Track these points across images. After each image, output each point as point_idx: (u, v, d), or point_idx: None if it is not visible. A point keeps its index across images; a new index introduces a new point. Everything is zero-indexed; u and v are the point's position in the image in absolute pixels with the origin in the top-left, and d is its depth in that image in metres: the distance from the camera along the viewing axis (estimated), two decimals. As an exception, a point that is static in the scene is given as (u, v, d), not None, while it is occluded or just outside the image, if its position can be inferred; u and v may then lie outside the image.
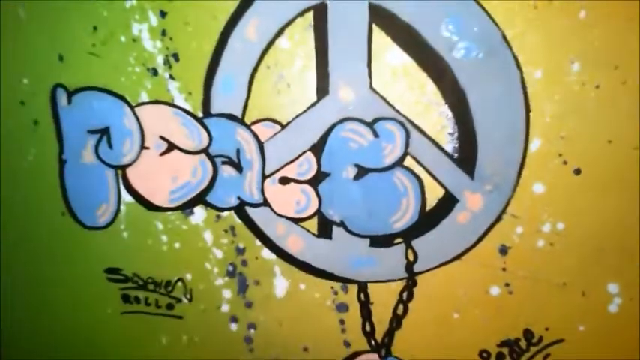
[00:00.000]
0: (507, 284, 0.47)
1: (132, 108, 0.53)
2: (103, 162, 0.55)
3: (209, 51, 0.49)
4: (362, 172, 0.48)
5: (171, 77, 0.51)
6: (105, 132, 0.54)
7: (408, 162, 0.47)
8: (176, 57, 0.50)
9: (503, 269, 0.47)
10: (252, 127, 0.50)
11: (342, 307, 0.52)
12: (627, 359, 0.46)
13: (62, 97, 0.54)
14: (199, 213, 0.54)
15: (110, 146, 0.54)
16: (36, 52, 0.54)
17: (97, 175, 0.55)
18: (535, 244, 0.46)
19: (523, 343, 0.48)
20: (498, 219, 0.46)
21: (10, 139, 0.58)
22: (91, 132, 0.54)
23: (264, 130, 0.50)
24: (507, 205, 0.45)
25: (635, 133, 0.42)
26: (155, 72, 0.51)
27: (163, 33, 0.50)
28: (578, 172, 0.43)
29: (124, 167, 0.54)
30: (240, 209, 0.52)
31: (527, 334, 0.47)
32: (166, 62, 0.51)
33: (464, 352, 0.49)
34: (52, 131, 0.55)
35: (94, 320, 0.60)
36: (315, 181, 0.49)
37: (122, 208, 0.56)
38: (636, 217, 0.43)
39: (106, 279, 0.58)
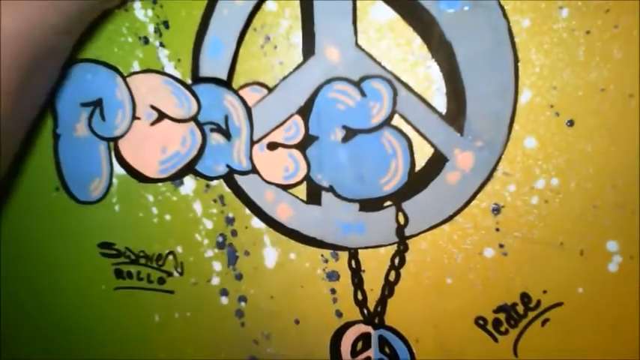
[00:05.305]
0: (502, 245, 0.45)
1: (124, 78, 0.53)
2: (96, 134, 0.55)
3: (198, 17, 0.49)
4: (350, 133, 0.47)
5: (162, 45, 0.51)
6: (98, 104, 0.54)
7: (397, 121, 0.46)
8: (166, 24, 0.51)
9: (497, 230, 0.45)
10: (240, 92, 0.49)
11: (333, 276, 0.50)
12: (627, 320, 0.43)
13: (56, 70, 0.55)
14: (189, 183, 0.53)
15: (103, 118, 0.54)
16: (32, 27, 0.55)
17: (90, 148, 0.56)
18: (529, 201, 0.44)
19: (520, 309, 0.45)
20: (490, 177, 0.44)
21: (8, 116, 0.58)
22: (85, 105, 0.55)
23: (251, 95, 0.49)
24: (499, 162, 0.44)
25: (629, 80, 0.40)
26: (146, 41, 0.52)
27: (154, 1, 0.50)
28: (571, 123, 0.42)
29: (115, 139, 0.55)
30: (229, 177, 0.52)
31: (525, 298, 0.45)
32: (157, 30, 0.51)
33: (459, 320, 0.47)
34: (47, 106, 0.56)
35: (88, 297, 0.60)
36: (303, 145, 0.49)
37: (114, 181, 0.56)
38: (635, 168, 0.41)
39: (100, 254, 0.58)
